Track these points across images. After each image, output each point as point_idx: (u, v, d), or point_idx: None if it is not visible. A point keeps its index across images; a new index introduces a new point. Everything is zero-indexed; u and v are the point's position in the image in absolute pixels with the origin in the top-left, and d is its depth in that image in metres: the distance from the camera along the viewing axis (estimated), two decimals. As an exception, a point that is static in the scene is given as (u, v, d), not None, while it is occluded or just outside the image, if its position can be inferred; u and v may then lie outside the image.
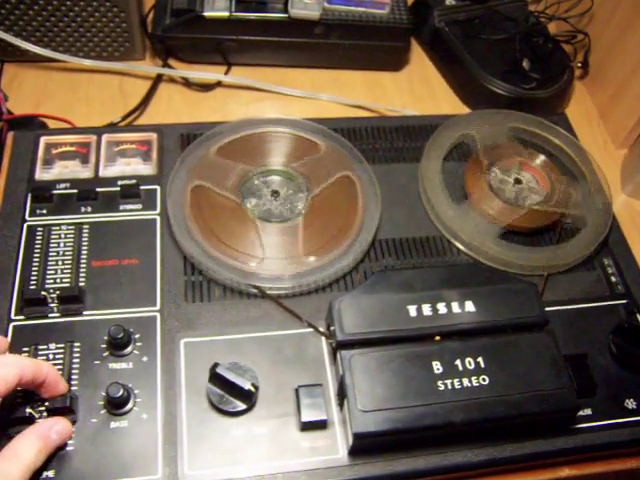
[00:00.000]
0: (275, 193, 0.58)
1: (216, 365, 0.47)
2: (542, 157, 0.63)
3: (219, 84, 0.79)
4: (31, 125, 0.69)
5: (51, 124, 0.70)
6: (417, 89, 0.82)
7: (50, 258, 0.53)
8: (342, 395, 0.47)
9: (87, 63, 0.74)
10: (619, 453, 0.51)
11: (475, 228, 0.58)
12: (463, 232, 0.58)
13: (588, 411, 0.50)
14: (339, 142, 0.61)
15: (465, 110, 0.79)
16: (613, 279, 0.58)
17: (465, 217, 0.58)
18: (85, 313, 0.51)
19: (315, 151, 0.61)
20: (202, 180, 0.57)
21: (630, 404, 0.51)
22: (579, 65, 0.82)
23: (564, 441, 0.49)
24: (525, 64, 0.77)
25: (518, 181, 0.62)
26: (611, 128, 0.79)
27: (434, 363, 0.48)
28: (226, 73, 0.79)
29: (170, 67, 0.78)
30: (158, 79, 0.77)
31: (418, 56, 0.85)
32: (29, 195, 0.56)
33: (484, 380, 0.47)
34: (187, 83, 0.78)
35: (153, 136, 0.61)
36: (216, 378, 0.47)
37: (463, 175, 0.62)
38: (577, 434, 0.49)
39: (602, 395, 0.51)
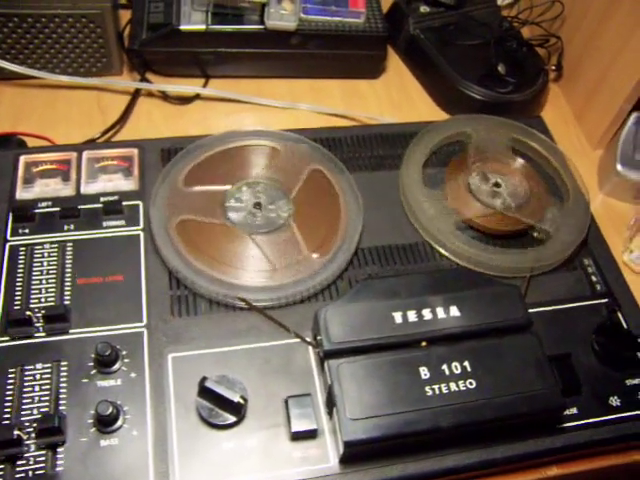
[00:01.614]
0: (257, 205, 0.58)
1: (204, 379, 0.47)
2: (520, 161, 0.64)
3: (198, 97, 0.79)
4: (9, 143, 0.69)
5: (30, 142, 0.69)
6: (395, 96, 0.82)
7: (34, 277, 0.53)
8: (331, 404, 0.47)
9: (64, 79, 0.74)
10: (606, 450, 0.51)
11: (455, 233, 0.59)
12: (444, 237, 0.58)
13: (574, 410, 0.51)
14: (320, 152, 0.62)
15: (443, 115, 0.80)
16: (594, 278, 0.59)
17: (445, 222, 0.59)
18: (71, 332, 0.51)
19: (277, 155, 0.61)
20: (185, 214, 0.56)
21: (614, 401, 0.52)
22: (553, 68, 0.83)
23: (552, 441, 0.50)
24: (500, 68, 0.78)
25: (497, 185, 0.63)
26: (587, 129, 0.81)
27: (421, 369, 0.48)
28: (204, 86, 0.79)
29: (148, 81, 0.78)
30: (136, 94, 0.77)
31: (395, 63, 0.86)
32: (10, 215, 0.56)
33: (471, 384, 0.48)
34: (165, 97, 0.78)
35: (134, 152, 0.61)
36: (205, 392, 0.47)
37: (443, 180, 0.62)
38: (564, 433, 0.50)
39: (587, 394, 0.52)
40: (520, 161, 0.65)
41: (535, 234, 0.60)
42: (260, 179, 0.60)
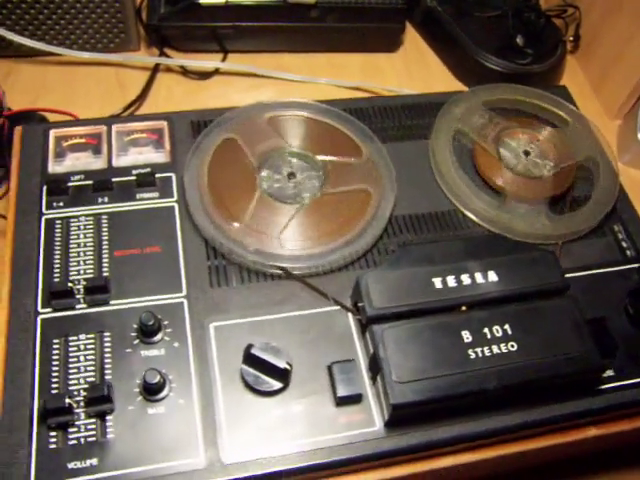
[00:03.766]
0: (291, 175, 0.58)
1: (250, 346, 0.47)
2: (548, 128, 0.64)
3: (217, 72, 0.78)
4: (31, 120, 0.69)
5: (51, 118, 0.69)
6: (413, 69, 0.82)
7: (71, 250, 0.53)
8: (375, 369, 0.48)
9: (83, 55, 0.73)
10: (642, 410, 0.52)
11: (487, 200, 0.59)
12: (476, 205, 0.59)
13: (610, 372, 0.52)
14: (351, 123, 0.62)
15: (462, 88, 0.80)
16: (624, 244, 0.59)
17: (477, 189, 0.59)
18: (112, 302, 0.51)
19: (347, 152, 0.60)
20: (219, 186, 0.56)
21: (649, 362, 0.53)
22: (570, 39, 0.83)
23: (590, 402, 0.50)
24: (519, 40, 0.78)
25: (526, 153, 0.63)
26: (604, 100, 0.81)
27: (463, 332, 0.48)
28: (223, 60, 0.79)
29: (167, 56, 0.77)
30: (155, 69, 0.77)
31: (411, 36, 0.86)
32: (44, 188, 0.56)
33: (512, 346, 0.48)
34: (184, 72, 0.78)
35: (163, 124, 0.61)
36: (251, 359, 0.47)
37: (473, 149, 0.63)
38: (601, 395, 0.51)
39: (622, 356, 0.53)
40: (548, 128, 0.64)
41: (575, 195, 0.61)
42: (290, 149, 0.60)
